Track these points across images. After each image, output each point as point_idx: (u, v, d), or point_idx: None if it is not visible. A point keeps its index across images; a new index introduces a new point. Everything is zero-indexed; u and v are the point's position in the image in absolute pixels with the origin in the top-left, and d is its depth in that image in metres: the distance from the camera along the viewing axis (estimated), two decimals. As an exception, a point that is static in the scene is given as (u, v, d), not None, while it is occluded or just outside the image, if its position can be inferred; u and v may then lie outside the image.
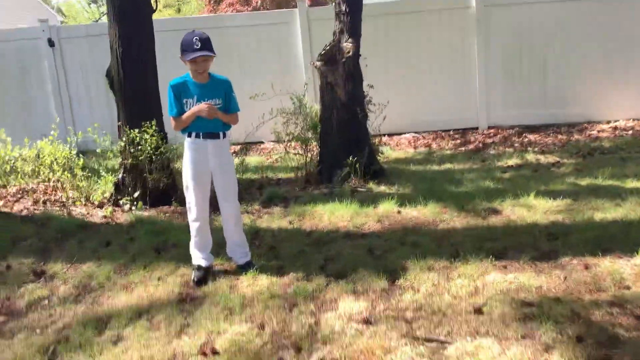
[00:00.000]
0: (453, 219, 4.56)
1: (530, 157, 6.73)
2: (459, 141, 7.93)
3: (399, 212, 4.79)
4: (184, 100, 3.54)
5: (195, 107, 3.50)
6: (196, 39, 3.42)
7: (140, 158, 5.18)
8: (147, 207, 5.25)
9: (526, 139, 7.70)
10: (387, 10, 8.45)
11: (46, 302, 3.52)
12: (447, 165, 6.63)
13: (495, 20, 8.22)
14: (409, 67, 8.46)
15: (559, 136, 7.70)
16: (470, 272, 3.48)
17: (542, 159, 6.61)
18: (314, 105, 6.46)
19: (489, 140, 7.81)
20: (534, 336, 2.70)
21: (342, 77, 5.92)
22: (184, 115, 3.53)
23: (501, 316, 2.94)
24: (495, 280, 3.36)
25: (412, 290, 3.33)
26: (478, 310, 3.01)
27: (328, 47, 6.03)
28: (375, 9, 7.90)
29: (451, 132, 8.43)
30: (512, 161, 6.57)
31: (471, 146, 7.61)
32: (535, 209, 4.65)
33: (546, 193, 5.01)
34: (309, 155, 6.26)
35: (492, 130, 8.29)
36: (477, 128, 8.45)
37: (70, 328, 3.14)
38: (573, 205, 4.68)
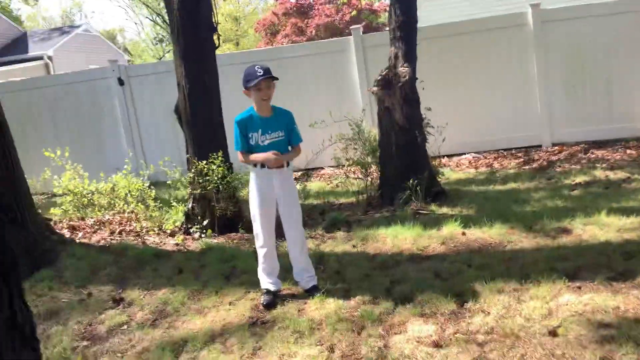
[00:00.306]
0: (521, 240, 4.47)
1: (599, 173, 6.49)
2: (522, 160, 7.75)
3: (463, 233, 4.74)
4: (250, 134, 3.71)
5: (263, 155, 3.66)
6: (258, 67, 3.63)
7: (208, 188, 5.40)
8: (216, 234, 5.44)
9: (593, 155, 7.43)
10: (442, 33, 8.45)
11: (125, 327, 3.71)
12: (511, 185, 6.49)
13: (553, 36, 8.04)
14: (467, 87, 8.39)
15: (628, 151, 7.38)
16: (542, 294, 3.40)
17: (612, 175, 6.36)
18: (373, 130, 6.51)
19: (554, 158, 7.60)
20: (614, 358, 2.61)
21: (399, 102, 5.95)
22: (251, 157, 3.70)
23: (578, 338, 2.86)
24: (570, 301, 3.27)
25: (482, 312, 3.29)
26: (553, 333, 2.94)
27: (384, 73, 6.10)
28: (429, 32, 7.90)
29: (513, 151, 8.25)
30: (580, 178, 6.36)
31: (535, 164, 7.42)
32: (608, 227, 4.49)
33: (618, 210, 4.82)
34: (369, 179, 6.32)
35: (556, 148, 8.05)
36: (540, 146, 8.24)
37: (149, 351, 3.31)
38: (649, 222, 4.50)
